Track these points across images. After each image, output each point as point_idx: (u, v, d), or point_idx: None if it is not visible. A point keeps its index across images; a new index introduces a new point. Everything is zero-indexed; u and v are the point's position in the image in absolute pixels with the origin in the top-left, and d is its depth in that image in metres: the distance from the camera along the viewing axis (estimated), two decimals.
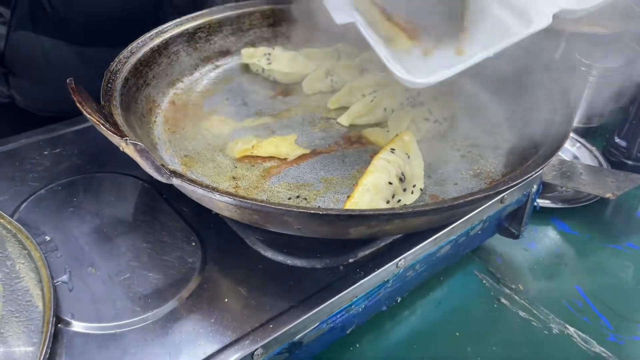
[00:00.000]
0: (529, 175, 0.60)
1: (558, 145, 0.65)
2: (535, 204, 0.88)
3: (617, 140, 1.11)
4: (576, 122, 1.22)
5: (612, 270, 0.92)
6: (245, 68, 0.98)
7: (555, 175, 1.01)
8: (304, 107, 0.90)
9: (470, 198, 0.57)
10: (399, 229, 0.64)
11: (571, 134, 1.16)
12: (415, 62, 0.77)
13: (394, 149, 0.71)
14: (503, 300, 0.84)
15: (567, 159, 1.13)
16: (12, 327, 0.57)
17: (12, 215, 0.73)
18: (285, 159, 0.77)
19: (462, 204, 0.57)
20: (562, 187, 1.04)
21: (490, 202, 0.73)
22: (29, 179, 0.79)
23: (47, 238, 0.70)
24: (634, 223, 1.03)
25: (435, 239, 0.73)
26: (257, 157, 0.78)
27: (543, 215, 1.00)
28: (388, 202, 0.66)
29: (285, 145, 0.78)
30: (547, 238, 0.98)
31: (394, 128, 0.80)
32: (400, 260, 0.69)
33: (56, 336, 0.58)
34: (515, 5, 0.76)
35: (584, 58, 1.14)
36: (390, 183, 0.66)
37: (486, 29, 0.77)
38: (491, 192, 0.58)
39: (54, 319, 0.58)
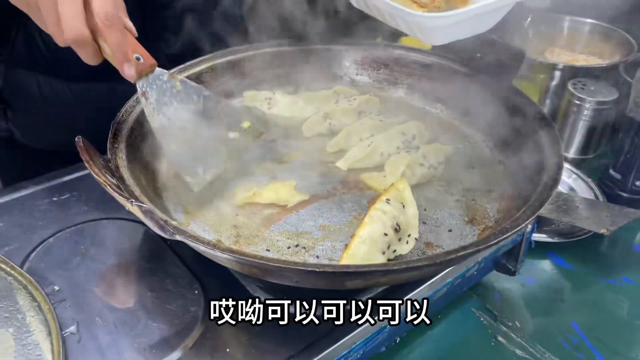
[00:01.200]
0: (517, 229, 0.62)
1: (546, 197, 0.67)
2: (530, 241, 0.90)
3: (612, 172, 1.12)
4: (572, 154, 1.25)
5: (607, 305, 0.93)
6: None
7: (551, 209, 1.03)
8: (304, 151, 0.92)
9: (462, 253, 0.60)
10: (393, 281, 0.67)
11: (568, 166, 1.19)
12: None
13: (389, 199, 0.73)
14: (500, 339, 0.86)
15: (564, 191, 1.15)
16: None
17: (22, 265, 0.75)
18: (285, 205, 0.80)
19: (454, 259, 0.60)
20: (557, 221, 1.06)
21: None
22: (38, 226, 0.82)
23: (56, 288, 0.72)
24: (630, 257, 1.04)
25: (432, 283, 0.75)
26: (258, 204, 0.80)
27: (540, 250, 1.02)
28: (384, 252, 0.68)
29: (285, 192, 0.80)
30: (544, 273, 1.00)
31: (390, 173, 0.83)
32: None
33: None
34: None
35: (578, 92, 1.17)
36: (385, 234, 0.69)
37: None
38: (481, 247, 0.60)
39: None
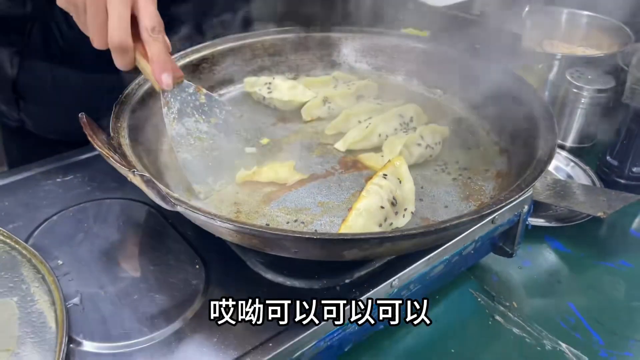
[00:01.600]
0: (511, 200, 0.63)
1: (539, 171, 0.68)
2: (527, 223, 0.91)
3: (609, 159, 1.13)
4: (570, 143, 1.26)
5: (604, 287, 0.94)
6: (248, 96, 1.03)
7: (548, 195, 1.04)
8: (303, 134, 0.94)
9: (456, 222, 0.61)
10: (390, 251, 0.68)
11: (565, 154, 1.20)
12: None
13: (385, 175, 0.74)
14: (497, 318, 0.86)
15: (561, 178, 1.16)
16: (27, 348, 0.61)
17: (26, 240, 0.77)
18: (284, 184, 0.81)
19: (448, 227, 0.61)
20: (555, 206, 1.07)
21: (480, 224, 0.76)
22: (42, 205, 0.84)
23: (60, 262, 0.74)
24: (627, 241, 1.05)
25: (429, 259, 0.76)
26: (258, 182, 0.82)
27: (537, 234, 1.03)
28: (380, 225, 0.70)
29: (284, 171, 0.82)
30: (541, 256, 1.00)
31: (388, 153, 0.84)
32: (394, 280, 0.72)
33: (68, 356, 0.62)
34: None
35: (576, 81, 1.18)
36: (382, 207, 0.70)
37: None
38: (475, 216, 0.62)
39: (67, 339, 0.62)
